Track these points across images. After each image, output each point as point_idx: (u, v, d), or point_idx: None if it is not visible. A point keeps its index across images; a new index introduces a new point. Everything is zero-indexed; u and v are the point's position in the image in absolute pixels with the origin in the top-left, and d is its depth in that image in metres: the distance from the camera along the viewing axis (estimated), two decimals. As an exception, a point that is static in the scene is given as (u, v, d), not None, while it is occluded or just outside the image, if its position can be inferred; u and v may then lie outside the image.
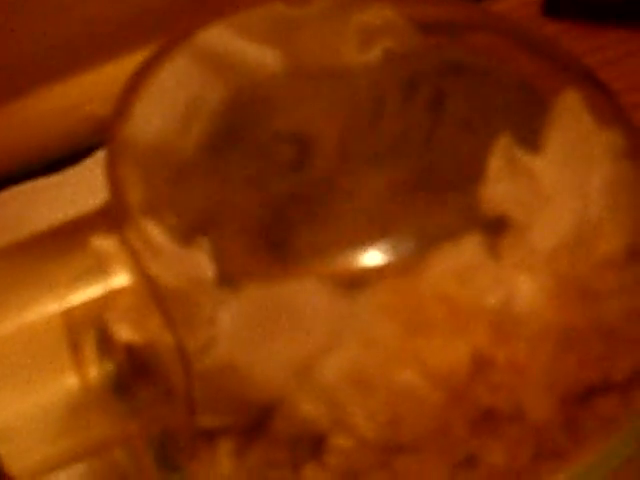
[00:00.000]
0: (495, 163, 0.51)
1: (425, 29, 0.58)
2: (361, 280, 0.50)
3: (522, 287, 0.49)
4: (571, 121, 0.53)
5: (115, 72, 0.76)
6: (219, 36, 0.57)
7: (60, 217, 0.54)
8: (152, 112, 0.56)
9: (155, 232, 0.51)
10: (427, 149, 0.54)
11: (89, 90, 0.77)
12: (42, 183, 0.75)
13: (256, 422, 0.50)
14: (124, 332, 0.51)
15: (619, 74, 0.73)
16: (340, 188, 0.53)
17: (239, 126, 0.55)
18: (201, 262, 0.50)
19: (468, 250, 0.50)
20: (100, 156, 0.75)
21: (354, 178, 0.53)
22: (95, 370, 0.50)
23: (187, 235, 0.51)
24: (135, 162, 0.54)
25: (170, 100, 0.56)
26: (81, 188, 0.71)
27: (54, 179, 0.75)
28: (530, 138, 0.52)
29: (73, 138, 0.76)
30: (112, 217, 0.52)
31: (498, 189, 0.51)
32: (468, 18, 0.62)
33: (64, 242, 0.52)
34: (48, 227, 0.54)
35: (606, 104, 0.55)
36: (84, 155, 0.74)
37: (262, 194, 0.53)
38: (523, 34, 0.60)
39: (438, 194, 0.52)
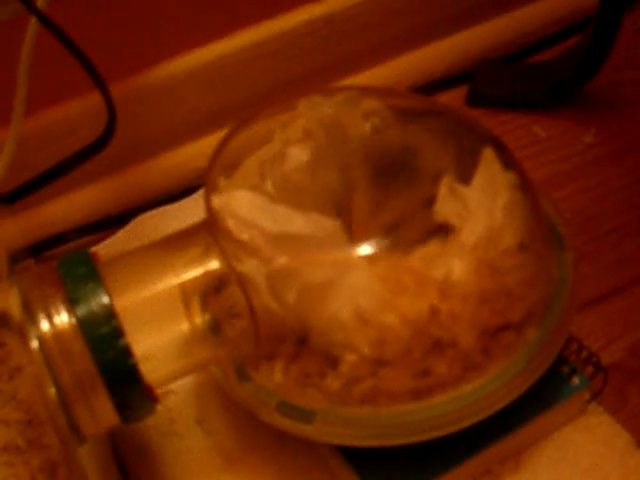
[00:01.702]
0: (443, 191, 0.52)
1: (399, 112, 0.59)
2: (371, 259, 0.50)
3: (456, 266, 0.50)
4: (488, 166, 0.54)
5: (209, 142, 0.76)
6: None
7: (179, 227, 0.54)
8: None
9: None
10: (405, 183, 0.55)
11: (194, 152, 0.77)
12: (168, 207, 0.75)
13: (297, 349, 0.51)
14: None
15: (510, 139, 0.72)
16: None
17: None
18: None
19: (431, 244, 0.51)
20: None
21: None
22: (199, 319, 0.51)
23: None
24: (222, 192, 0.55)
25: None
26: (192, 210, 0.72)
27: (175, 205, 0.75)
28: (464, 176, 0.53)
29: (186, 180, 0.76)
30: (208, 227, 0.53)
31: (444, 207, 0.52)
32: (425, 104, 0.63)
33: (180, 242, 0.53)
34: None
35: (506, 157, 0.55)
36: (194, 190, 0.75)
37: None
38: (458, 114, 0.61)
39: (414, 211, 0.53)
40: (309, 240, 0.51)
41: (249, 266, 0.51)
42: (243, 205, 0.52)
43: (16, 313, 0.47)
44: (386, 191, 0.54)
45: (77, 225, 0.76)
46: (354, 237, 0.52)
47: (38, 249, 0.74)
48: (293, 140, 0.57)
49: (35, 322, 0.47)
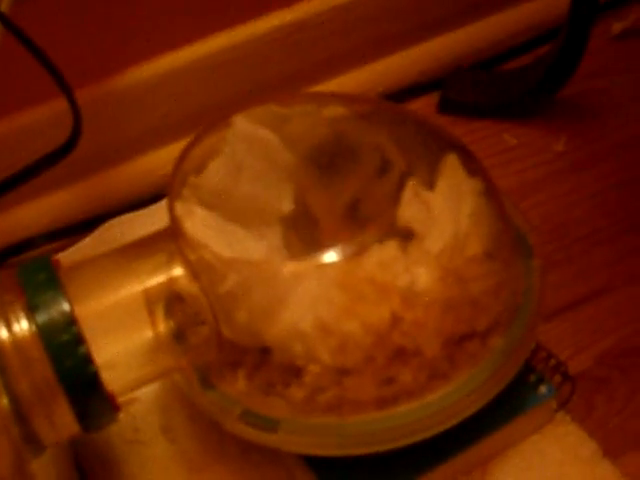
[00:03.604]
0: (406, 195, 0.52)
1: (364, 118, 0.58)
2: (327, 268, 0.50)
3: (421, 274, 0.50)
4: (452, 172, 0.54)
5: (178, 148, 0.76)
6: (242, 123, 0.56)
7: (146, 234, 0.54)
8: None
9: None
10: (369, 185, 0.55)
11: (161, 160, 0.77)
12: (136, 214, 0.75)
13: (260, 358, 0.51)
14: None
15: (480, 147, 0.73)
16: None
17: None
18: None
19: (388, 250, 0.50)
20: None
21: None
22: (163, 326, 0.51)
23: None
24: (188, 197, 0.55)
25: (219, 160, 0.56)
26: (159, 217, 0.71)
27: (143, 212, 0.75)
28: (428, 181, 0.53)
29: (154, 186, 0.76)
30: (172, 234, 0.52)
31: (408, 212, 0.52)
32: (391, 111, 0.62)
33: (145, 248, 0.53)
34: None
35: (472, 164, 0.55)
36: (162, 197, 0.74)
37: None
38: (425, 121, 0.60)
39: (375, 214, 0.53)
40: (259, 258, 0.51)
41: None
42: (197, 224, 0.52)
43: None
44: (338, 194, 0.55)
45: (43, 231, 0.75)
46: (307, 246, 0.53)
47: (3, 256, 0.74)
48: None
49: (-7, 330, 0.46)
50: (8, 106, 0.70)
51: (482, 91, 0.82)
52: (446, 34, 0.85)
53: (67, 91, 0.63)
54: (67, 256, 0.70)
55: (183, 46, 0.76)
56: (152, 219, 0.74)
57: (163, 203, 0.74)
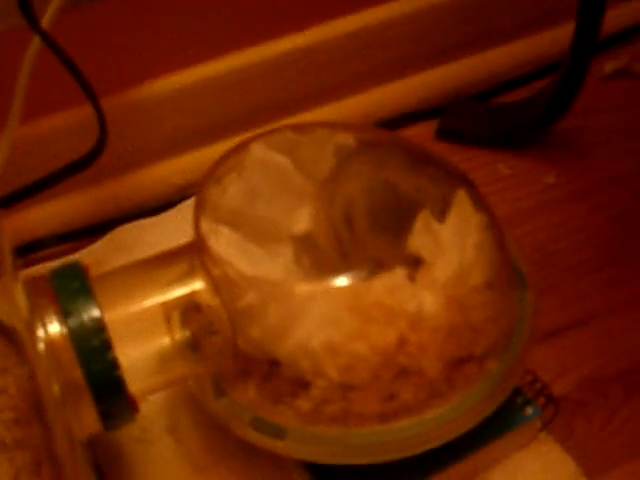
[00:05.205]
0: (418, 226, 0.55)
1: (367, 145, 0.61)
2: (338, 291, 0.53)
3: (427, 300, 0.53)
4: (461, 207, 0.56)
5: (188, 159, 0.78)
6: (259, 149, 0.59)
7: (156, 240, 0.56)
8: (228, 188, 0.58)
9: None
10: (383, 215, 0.58)
11: (172, 169, 0.78)
12: (146, 221, 0.77)
13: (271, 369, 0.54)
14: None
15: (478, 175, 0.70)
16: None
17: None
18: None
19: (397, 276, 0.53)
20: (180, 207, 0.78)
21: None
22: (179, 335, 0.54)
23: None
24: (211, 215, 0.57)
25: (238, 182, 0.58)
26: (169, 224, 0.73)
27: (153, 219, 0.77)
28: (439, 214, 0.56)
29: (165, 195, 0.78)
30: (196, 249, 0.55)
31: (418, 241, 0.54)
32: (397, 141, 0.65)
33: (169, 261, 0.55)
34: (154, 251, 0.56)
35: (478, 199, 0.57)
36: (171, 206, 0.78)
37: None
38: (435, 155, 0.62)
39: (387, 242, 0.56)
40: (275, 279, 0.54)
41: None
42: (221, 242, 0.55)
43: (23, 309, 0.49)
44: (354, 222, 0.57)
45: (55, 232, 0.78)
46: (318, 268, 0.55)
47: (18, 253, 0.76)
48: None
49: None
50: (35, 111, 0.72)
51: (480, 121, 0.85)
52: (448, 64, 0.88)
53: (96, 106, 0.66)
54: (79, 258, 0.72)
55: (197, 64, 0.79)
56: (162, 227, 0.77)
57: (173, 211, 0.78)
